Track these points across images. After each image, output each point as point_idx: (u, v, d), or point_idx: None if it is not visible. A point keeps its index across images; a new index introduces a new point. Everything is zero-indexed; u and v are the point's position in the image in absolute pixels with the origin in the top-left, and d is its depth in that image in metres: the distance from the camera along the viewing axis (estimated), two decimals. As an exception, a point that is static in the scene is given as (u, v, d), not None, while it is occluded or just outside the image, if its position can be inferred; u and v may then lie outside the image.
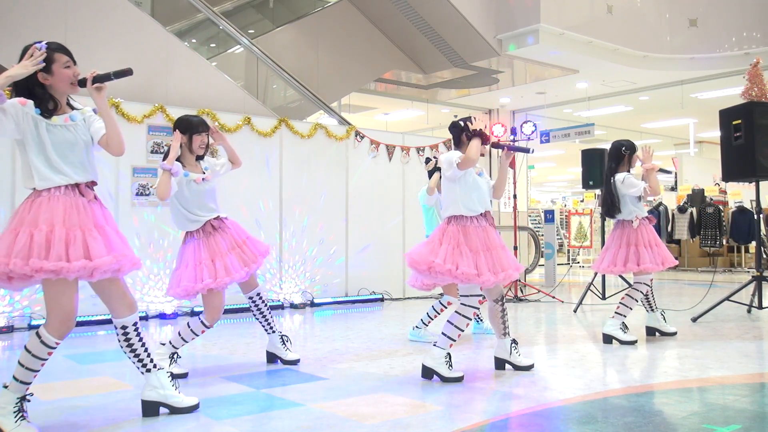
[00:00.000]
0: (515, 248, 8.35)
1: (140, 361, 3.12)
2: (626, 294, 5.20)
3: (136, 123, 6.88)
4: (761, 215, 8.22)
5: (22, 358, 2.87)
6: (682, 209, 13.56)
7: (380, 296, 8.47)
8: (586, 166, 8.22)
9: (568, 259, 16.14)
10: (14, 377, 2.87)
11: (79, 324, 6.13)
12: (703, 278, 11.86)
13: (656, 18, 11.23)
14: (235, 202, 7.30)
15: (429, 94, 13.44)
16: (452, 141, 4.19)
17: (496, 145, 4.31)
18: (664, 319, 5.47)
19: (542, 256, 11.05)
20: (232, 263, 3.98)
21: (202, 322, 4.03)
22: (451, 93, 13.54)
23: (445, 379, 3.87)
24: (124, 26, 7.17)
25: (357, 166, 8.61)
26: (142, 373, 3.17)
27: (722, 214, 13.16)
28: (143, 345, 3.12)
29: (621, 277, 8.04)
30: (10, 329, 5.98)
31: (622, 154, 5.31)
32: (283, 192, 7.93)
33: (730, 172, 6.51)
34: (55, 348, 2.87)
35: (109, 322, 6.00)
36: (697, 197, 13.59)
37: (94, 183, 3.01)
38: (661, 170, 5.30)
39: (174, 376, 3.28)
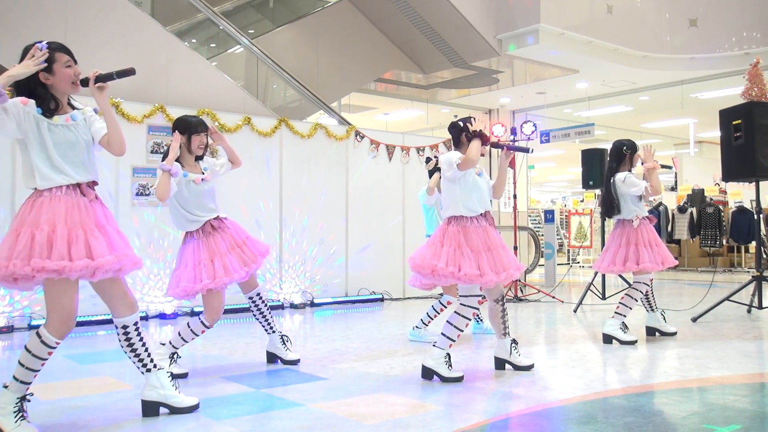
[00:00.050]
0: (515, 248, 8.35)
1: (140, 360, 3.13)
2: (626, 294, 5.20)
3: (136, 123, 6.88)
4: (761, 215, 8.22)
5: (22, 357, 2.87)
6: (682, 209, 13.56)
7: (380, 296, 8.47)
8: (586, 166, 8.23)
9: (568, 259, 16.14)
10: (14, 377, 2.87)
11: (79, 324, 6.13)
12: (703, 278, 11.86)
13: (656, 18, 11.23)
14: (235, 202, 7.31)
15: (429, 94, 13.44)
16: (452, 141, 4.19)
17: (495, 145, 4.31)
18: (664, 319, 5.47)
19: (542, 256, 11.05)
20: (232, 263, 3.98)
21: (202, 322, 4.03)
22: (451, 93, 13.54)
23: (445, 379, 3.87)
24: (124, 26, 7.17)
25: (357, 166, 8.61)
26: (143, 372, 3.17)
27: (722, 214, 13.16)
28: (144, 345, 3.12)
29: (621, 276, 8.04)
30: (10, 329, 5.98)
31: (623, 153, 5.31)
32: (283, 192, 7.93)
33: (730, 172, 6.51)
34: (55, 348, 2.88)
35: (109, 322, 6.01)
36: (697, 197, 13.59)
37: (95, 183, 3.02)
38: (662, 166, 5.31)
39: (174, 376, 3.28)
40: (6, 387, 2.86)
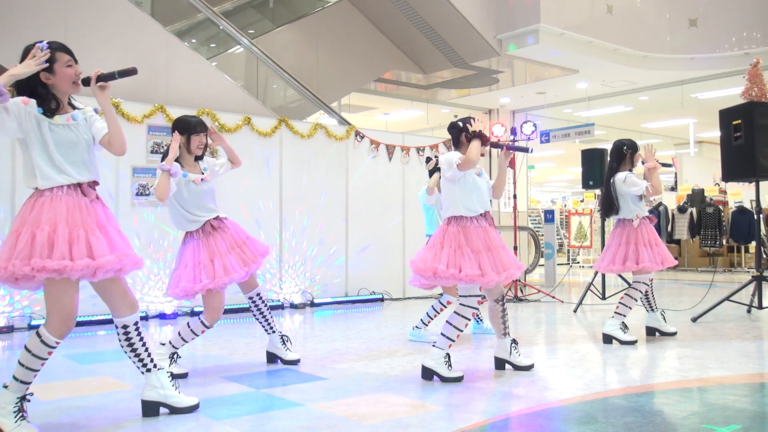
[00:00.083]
0: (515, 248, 8.35)
1: (140, 360, 3.13)
2: (625, 294, 5.20)
3: (136, 123, 6.88)
4: (761, 215, 8.22)
5: (22, 357, 2.87)
6: (682, 209, 13.56)
7: (380, 296, 8.47)
8: (586, 166, 8.23)
9: (568, 259, 16.14)
10: (14, 377, 2.87)
11: (79, 324, 6.13)
12: (703, 278, 11.86)
13: (656, 18, 11.23)
14: (235, 202, 7.31)
15: (429, 94, 13.44)
16: (451, 141, 4.19)
17: (495, 145, 4.31)
18: (664, 319, 5.47)
19: (542, 256, 11.05)
20: (232, 263, 3.98)
21: (202, 322, 4.03)
22: (451, 93, 13.54)
23: (444, 379, 3.87)
24: (124, 26, 7.17)
25: (357, 166, 8.61)
26: (143, 372, 3.17)
27: (722, 214, 13.16)
28: (144, 345, 3.12)
29: (621, 276, 8.04)
30: (10, 329, 5.98)
31: (624, 153, 5.31)
32: (283, 192, 7.93)
33: (730, 172, 6.51)
34: (55, 347, 2.88)
35: (109, 322, 6.01)
36: (697, 197, 13.59)
37: (96, 183, 3.02)
38: (662, 164, 5.32)
39: (174, 376, 3.28)
40: (6, 387, 2.86)
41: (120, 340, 3.10)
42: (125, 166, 6.78)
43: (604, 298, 7.91)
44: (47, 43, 2.86)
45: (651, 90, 12.92)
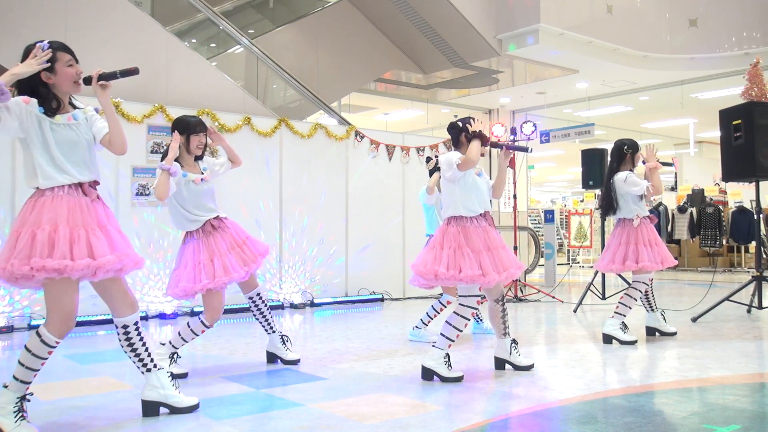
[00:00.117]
0: (515, 248, 8.35)
1: (141, 360, 3.13)
2: (625, 293, 5.20)
3: (136, 123, 6.88)
4: (761, 215, 8.22)
5: (22, 357, 2.87)
6: (682, 209, 13.56)
7: (380, 296, 8.47)
8: (586, 166, 8.23)
9: (568, 259, 16.14)
10: (14, 377, 2.87)
11: (79, 324, 6.13)
12: (703, 278, 11.86)
13: (656, 18, 11.23)
14: (235, 202, 7.31)
15: (429, 94, 13.44)
16: (451, 142, 4.19)
17: (495, 145, 4.31)
18: (664, 319, 5.47)
19: (542, 256, 11.05)
20: (232, 263, 3.98)
21: (202, 322, 4.04)
22: (451, 93, 13.54)
23: (444, 380, 3.87)
24: (124, 26, 7.17)
25: (357, 166, 8.61)
26: (143, 372, 3.17)
27: (722, 214, 13.16)
28: (144, 344, 3.12)
29: (621, 276, 8.04)
30: (10, 329, 5.98)
31: (624, 153, 5.32)
32: (283, 192, 7.93)
33: (730, 172, 6.51)
34: (55, 347, 2.88)
35: (109, 322, 6.01)
36: (697, 197, 13.59)
37: (96, 182, 3.02)
38: (663, 163, 5.32)
39: (174, 376, 3.28)
40: (6, 387, 2.86)
41: (120, 340, 3.10)
42: (125, 166, 6.78)
43: (604, 298, 7.91)
44: (48, 42, 2.87)
45: (651, 90, 12.92)
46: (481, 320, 5.75)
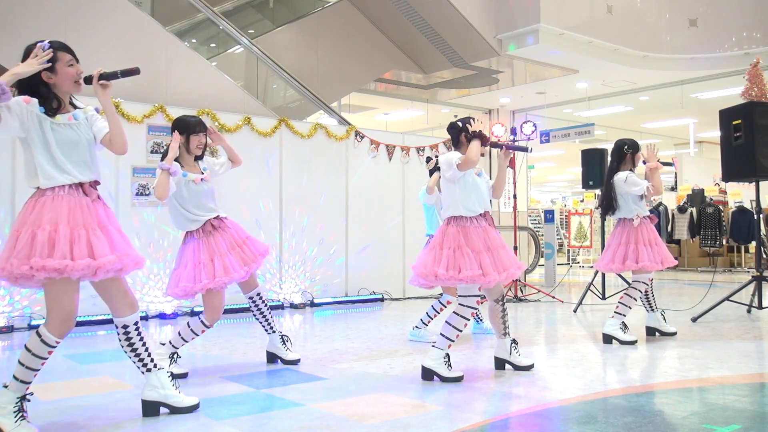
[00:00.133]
0: (515, 248, 8.35)
1: (141, 360, 3.13)
2: (625, 293, 5.20)
3: (136, 123, 6.88)
4: (761, 215, 8.22)
5: (22, 357, 2.87)
6: (682, 209, 13.56)
7: (380, 296, 8.47)
8: (586, 166, 8.23)
9: (568, 259, 16.14)
10: (14, 376, 2.87)
11: (79, 324, 6.13)
12: (703, 278, 11.86)
13: (656, 18, 11.23)
14: (235, 202, 7.31)
15: (429, 94, 13.44)
16: (451, 142, 4.19)
17: (494, 145, 4.31)
18: (664, 319, 5.47)
19: (542, 256, 11.05)
20: (232, 263, 3.98)
21: (202, 321, 4.04)
22: (451, 93, 13.54)
23: (444, 380, 3.87)
24: (124, 26, 7.17)
25: (357, 166, 8.61)
26: (143, 372, 3.17)
27: (722, 214, 13.16)
28: (144, 344, 3.12)
29: (621, 276, 8.04)
30: (10, 329, 5.98)
31: (625, 153, 5.32)
32: (283, 192, 7.93)
33: (730, 172, 6.51)
34: (55, 347, 2.88)
35: (109, 322, 6.01)
36: (697, 197, 13.59)
37: (97, 182, 3.02)
38: (663, 163, 5.32)
39: (174, 376, 3.28)
40: (6, 386, 2.86)
41: (120, 340, 3.10)
42: (125, 166, 6.78)
43: (604, 298, 7.91)
44: (49, 42, 2.87)
45: (651, 90, 12.92)
46: (481, 320, 5.75)
